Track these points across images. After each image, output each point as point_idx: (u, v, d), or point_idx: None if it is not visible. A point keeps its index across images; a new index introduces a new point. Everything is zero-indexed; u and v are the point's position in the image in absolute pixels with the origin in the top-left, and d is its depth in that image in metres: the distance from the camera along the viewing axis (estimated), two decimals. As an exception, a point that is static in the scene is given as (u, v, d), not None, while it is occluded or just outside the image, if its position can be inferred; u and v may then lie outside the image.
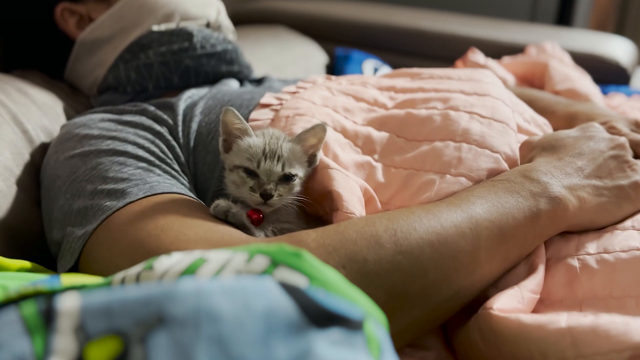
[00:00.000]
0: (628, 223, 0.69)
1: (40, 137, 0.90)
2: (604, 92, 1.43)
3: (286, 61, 1.60)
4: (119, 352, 0.32)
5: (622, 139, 0.76)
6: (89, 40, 0.99)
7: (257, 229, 0.69)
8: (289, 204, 0.70)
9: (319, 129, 0.71)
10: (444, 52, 1.71)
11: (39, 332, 0.33)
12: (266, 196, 0.67)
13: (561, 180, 0.69)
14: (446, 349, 0.67)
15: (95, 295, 0.34)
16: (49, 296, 0.35)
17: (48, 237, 0.78)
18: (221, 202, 0.68)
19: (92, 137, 0.79)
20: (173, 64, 0.98)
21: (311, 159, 0.73)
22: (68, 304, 0.33)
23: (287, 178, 0.69)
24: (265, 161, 0.68)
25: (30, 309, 0.34)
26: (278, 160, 0.69)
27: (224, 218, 0.68)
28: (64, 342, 0.32)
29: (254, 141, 0.70)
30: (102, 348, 0.32)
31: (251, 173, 0.69)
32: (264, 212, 0.70)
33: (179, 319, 0.33)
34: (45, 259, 0.79)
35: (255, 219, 0.69)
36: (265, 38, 1.68)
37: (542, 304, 0.65)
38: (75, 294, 0.34)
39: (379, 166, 0.75)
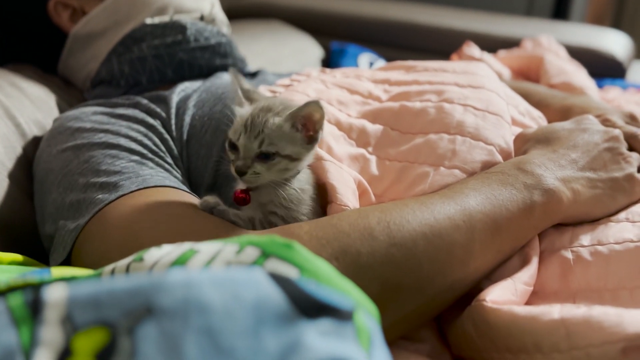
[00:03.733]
0: (622, 215, 0.69)
1: (33, 131, 0.89)
2: (600, 86, 1.43)
3: (281, 55, 1.59)
4: (107, 343, 0.32)
5: (617, 132, 0.76)
6: (83, 34, 0.98)
7: (245, 212, 0.66)
8: (277, 185, 0.65)
9: (313, 106, 0.63)
10: (440, 46, 1.71)
11: (26, 323, 0.32)
12: (239, 172, 0.64)
13: (555, 172, 0.69)
14: (440, 341, 0.67)
15: (82, 286, 0.34)
16: (36, 287, 0.35)
17: (41, 231, 0.78)
18: (209, 199, 0.67)
19: (84, 130, 0.79)
20: (167, 57, 0.97)
21: (310, 139, 0.67)
22: (55, 295, 0.33)
23: (265, 156, 0.64)
24: (245, 134, 0.64)
25: (17, 300, 0.33)
26: (256, 137, 0.63)
27: (210, 214, 0.67)
28: (50, 333, 0.32)
29: (242, 112, 0.66)
30: (89, 339, 0.32)
31: (234, 147, 0.65)
32: (250, 191, 0.66)
33: (168, 309, 0.33)
34: (38, 252, 0.78)
35: (238, 197, 0.66)
36: (260, 32, 1.67)
37: (535, 296, 0.65)
38: (62, 284, 0.34)
39: (373, 159, 0.75)
